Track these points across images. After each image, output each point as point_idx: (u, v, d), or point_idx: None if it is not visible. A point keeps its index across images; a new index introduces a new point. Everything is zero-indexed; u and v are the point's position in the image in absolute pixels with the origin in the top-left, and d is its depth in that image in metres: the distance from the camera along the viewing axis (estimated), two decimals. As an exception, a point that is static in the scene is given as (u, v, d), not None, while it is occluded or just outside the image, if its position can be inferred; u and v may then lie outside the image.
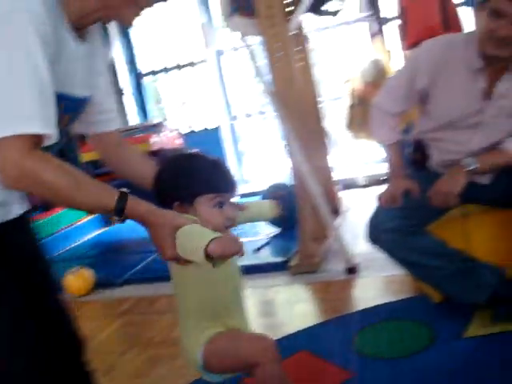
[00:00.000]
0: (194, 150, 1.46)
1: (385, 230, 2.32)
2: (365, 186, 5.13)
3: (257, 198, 4.38)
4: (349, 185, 5.07)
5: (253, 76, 5.95)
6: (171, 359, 2.53)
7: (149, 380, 2.37)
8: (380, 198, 2.39)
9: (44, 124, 1.14)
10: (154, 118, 6.07)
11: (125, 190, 1.26)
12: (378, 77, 5.00)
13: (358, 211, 4.34)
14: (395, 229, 2.30)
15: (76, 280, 3.64)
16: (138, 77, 6.30)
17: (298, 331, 2.56)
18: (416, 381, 2.01)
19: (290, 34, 3.74)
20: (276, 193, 4.07)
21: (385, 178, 2.44)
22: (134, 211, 1.23)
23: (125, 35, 6.26)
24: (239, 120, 6.15)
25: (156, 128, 4.89)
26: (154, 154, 4.50)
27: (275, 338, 2.44)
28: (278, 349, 1.47)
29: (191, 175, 1.39)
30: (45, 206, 5.97)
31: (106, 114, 1.50)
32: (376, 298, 2.75)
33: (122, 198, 1.22)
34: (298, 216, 3.49)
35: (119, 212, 1.22)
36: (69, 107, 1.32)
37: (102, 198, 1.22)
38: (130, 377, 2.31)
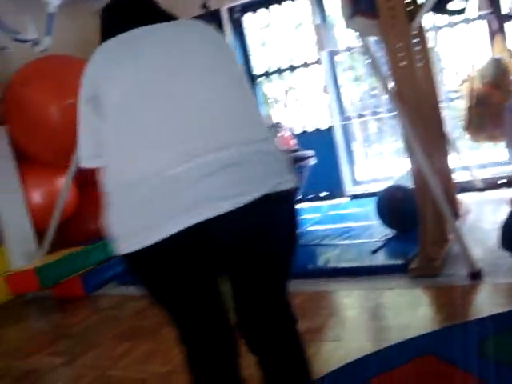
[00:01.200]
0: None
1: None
2: (482, 190, 4.97)
3: (371, 201, 4.37)
4: (466, 188, 4.93)
5: (368, 76, 5.97)
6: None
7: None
8: (510, 201, 2.33)
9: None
10: (270, 118, 6.17)
11: None
12: (497, 77, 4.84)
13: (476, 215, 4.22)
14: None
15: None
16: (252, 78, 6.43)
17: (422, 334, 2.54)
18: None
19: (412, 33, 3.71)
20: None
21: (503, 181, 2.37)
22: None
23: (239, 37, 6.41)
24: (352, 121, 6.14)
25: (273, 128, 4.98)
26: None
27: (398, 341, 2.48)
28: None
29: None
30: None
31: None
32: (502, 304, 2.68)
33: None
34: (419, 218, 3.44)
35: None
36: None
37: None
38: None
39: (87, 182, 5.27)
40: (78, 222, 5.11)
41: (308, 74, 6.29)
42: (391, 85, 3.65)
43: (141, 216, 1.39)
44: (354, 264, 3.65)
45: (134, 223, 1.41)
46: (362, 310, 3.04)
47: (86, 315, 3.95)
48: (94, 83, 1.50)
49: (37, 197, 4.98)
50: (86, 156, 1.61)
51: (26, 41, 4.51)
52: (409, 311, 2.86)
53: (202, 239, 1.39)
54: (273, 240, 1.48)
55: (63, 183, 4.79)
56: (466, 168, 5.05)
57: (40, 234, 4.91)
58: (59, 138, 4.69)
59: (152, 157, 1.40)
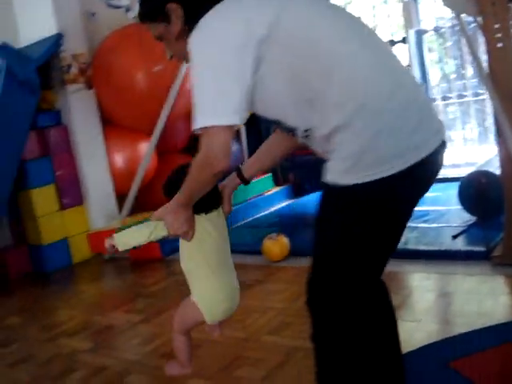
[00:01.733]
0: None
1: None
2: None
3: (453, 185, 4.25)
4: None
5: (455, 57, 5.79)
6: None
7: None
8: None
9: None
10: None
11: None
12: None
13: None
14: None
15: (274, 245, 3.83)
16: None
17: (504, 322, 2.48)
18: None
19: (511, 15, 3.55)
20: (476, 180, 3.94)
21: None
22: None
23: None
24: (436, 103, 5.97)
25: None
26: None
27: (479, 327, 2.43)
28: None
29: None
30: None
31: None
32: None
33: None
34: (505, 205, 3.33)
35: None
36: None
37: None
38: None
39: (167, 148, 5.40)
40: (157, 188, 5.21)
41: (395, 52, 6.15)
42: (485, 66, 3.53)
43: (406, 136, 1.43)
44: (434, 247, 3.58)
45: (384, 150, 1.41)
46: (441, 293, 2.99)
47: (161, 277, 4.07)
48: (264, 24, 1.41)
49: (119, 161, 5.13)
50: (232, 110, 1.40)
51: (119, 7, 4.61)
52: (490, 298, 2.79)
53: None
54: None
55: (146, 149, 4.91)
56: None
57: (120, 197, 5.07)
58: (144, 105, 4.79)
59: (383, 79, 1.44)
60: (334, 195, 1.48)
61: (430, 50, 6.08)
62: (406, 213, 1.60)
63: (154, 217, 1.71)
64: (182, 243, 1.78)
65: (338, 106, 1.40)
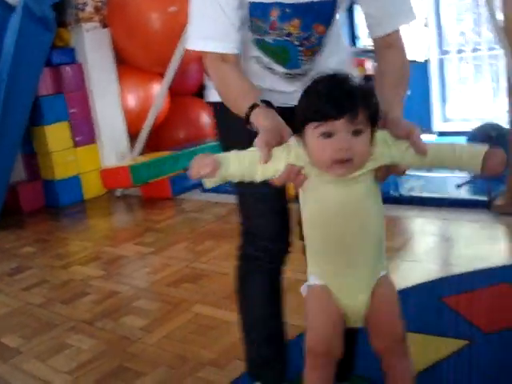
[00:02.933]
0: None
1: None
2: None
3: (461, 139, 4.30)
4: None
5: (473, 12, 5.74)
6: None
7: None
8: None
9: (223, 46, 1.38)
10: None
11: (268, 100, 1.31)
12: None
13: None
14: None
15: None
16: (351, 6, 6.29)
17: (501, 266, 2.58)
18: None
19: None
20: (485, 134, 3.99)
21: None
22: (256, 122, 1.26)
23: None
24: (450, 55, 5.95)
25: (372, 54, 4.93)
26: (369, 78, 4.58)
27: (476, 269, 2.53)
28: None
29: (300, 101, 1.18)
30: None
31: (371, 18, 1.45)
32: None
33: (252, 107, 1.28)
34: (509, 158, 3.39)
35: (247, 120, 1.28)
36: (289, 14, 1.39)
37: (239, 105, 1.33)
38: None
39: (180, 90, 5.44)
40: (168, 129, 5.31)
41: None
42: (501, 19, 3.53)
43: None
44: (438, 195, 3.67)
45: None
46: (443, 237, 3.09)
47: (171, 214, 4.19)
48: None
49: (132, 101, 5.19)
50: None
51: None
52: (489, 244, 2.89)
53: None
54: None
55: (159, 90, 4.96)
56: None
57: (132, 136, 5.14)
58: (158, 45, 4.82)
59: None
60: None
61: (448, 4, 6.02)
62: None
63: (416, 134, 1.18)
64: (375, 194, 1.24)
65: None
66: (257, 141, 1.18)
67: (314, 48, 1.47)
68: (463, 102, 5.98)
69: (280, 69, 1.51)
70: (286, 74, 1.52)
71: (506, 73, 3.48)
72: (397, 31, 1.42)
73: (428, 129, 5.88)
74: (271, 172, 1.19)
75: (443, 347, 1.96)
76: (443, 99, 5.97)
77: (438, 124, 5.88)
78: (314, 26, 1.42)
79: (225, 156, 1.18)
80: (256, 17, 1.41)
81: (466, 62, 5.96)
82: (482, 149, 1.18)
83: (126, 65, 5.23)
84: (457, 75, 6.02)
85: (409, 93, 4.45)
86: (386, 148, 1.18)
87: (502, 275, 2.50)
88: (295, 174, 1.19)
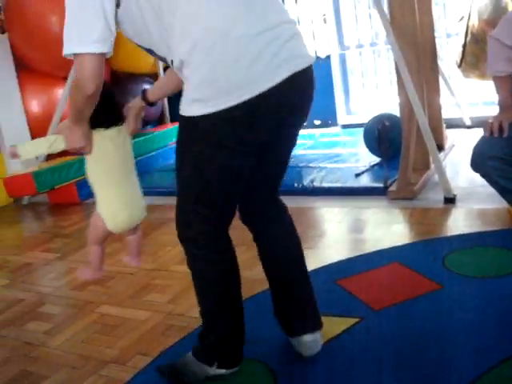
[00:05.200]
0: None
1: (489, 158, 2.42)
2: (470, 127, 5.09)
3: (360, 130, 4.49)
4: (454, 124, 5.05)
5: (368, 5, 5.97)
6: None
7: (255, 271, 2.64)
8: (487, 127, 2.47)
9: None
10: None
11: None
12: (496, 15, 4.84)
13: (460, 150, 4.37)
14: (498, 157, 2.39)
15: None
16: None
17: (393, 247, 2.74)
18: (499, 299, 2.12)
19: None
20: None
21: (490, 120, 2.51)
22: None
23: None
24: (350, 51, 6.17)
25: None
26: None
27: (370, 251, 2.67)
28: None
29: None
30: (158, 120, 6.38)
31: None
32: (471, 226, 2.86)
33: None
34: (402, 145, 3.59)
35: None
36: None
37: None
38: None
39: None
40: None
41: (309, 1, 6.26)
42: (388, 14, 3.71)
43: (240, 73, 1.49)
44: (337, 184, 3.82)
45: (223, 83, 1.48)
46: (341, 224, 3.22)
47: (78, 219, 4.14)
48: None
49: (35, 106, 5.09)
50: (96, 39, 1.48)
51: None
52: (383, 228, 3.05)
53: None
54: (308, 104, 1.71)
55: (61, 93, 4.88)
56: (456, 105, 5.15)
57: (37, 142, 5.03)
58: (58, 49, 4.72)
59: (236, 18, 1.49)
60: (182, 126, 1.62)
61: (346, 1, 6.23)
62: (246, 150, 1.60)
63: (55, 131, 1.88)
64: (86, 159, 1.92)
65: (180, 43, 1.49)
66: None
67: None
68: (365, 95, 6.22)
69: None
70: None
71: (395, 64, 3.66)
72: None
73: (333, 122, 6.09)
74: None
75: (336, 326, 2.07)
76: (346, 93, 6.19)
77: (342, 117, 6.09)
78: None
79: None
80: None
81: (365, 57, 6.20)
82: None
83: (27, 70, 5.12)
84: (358, 69, 6.25)
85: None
86: None
87: (393, 255, 2.65)
88: None
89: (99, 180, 1.95)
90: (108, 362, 2.08)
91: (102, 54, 1.52)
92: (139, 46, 1.67)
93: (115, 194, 1.95)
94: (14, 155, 1.91)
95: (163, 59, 1.63)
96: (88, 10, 1.49)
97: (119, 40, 1.60)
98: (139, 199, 2.04)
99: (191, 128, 1.57)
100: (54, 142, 1.85)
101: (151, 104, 1.98)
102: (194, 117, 1.53)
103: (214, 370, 1.81)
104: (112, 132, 1.90)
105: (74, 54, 1.50)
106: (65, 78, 4.86)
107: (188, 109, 1.54)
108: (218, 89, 1.48)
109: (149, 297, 2.60)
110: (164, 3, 1.49)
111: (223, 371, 1.82)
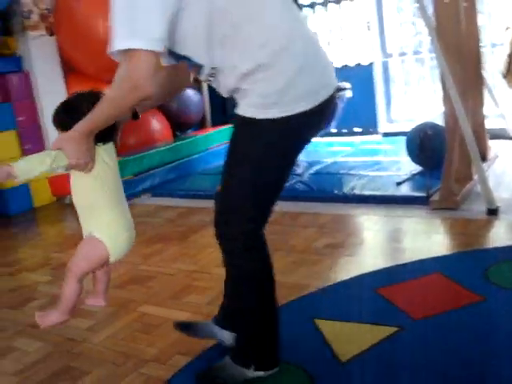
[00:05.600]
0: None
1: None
2: (514, 138, 5.00)
3: (401, 138, 4.45)
4: (498, 135, 4.97)
5: (413, 13, 5.93)
6: (313, 264, 2.81)
7: (293, 277, 2.66)
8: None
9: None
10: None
11: None
12: (542, 26, 4.76)
13: (504, 161, 4.30)
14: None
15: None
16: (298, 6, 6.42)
17: (434, 257, 2.72)
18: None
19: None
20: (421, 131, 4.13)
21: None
22: None
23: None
24: (393, 59, 6.14)
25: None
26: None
27: (411, 260, 2.66)
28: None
29: None
30: (199, 124, 6.45)
31: None
32: (514, 239, 2.82)
33: None
34: (445, 155, 3.55)
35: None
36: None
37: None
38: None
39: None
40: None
41: (353, 7, 6.26)
42: (433, 22, 3.68)
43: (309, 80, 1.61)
44: (378, 192, 3.80)
45: (303, 87, 1.60)
46: (381, 233, 3.21)
47: (121, 220, 4.21)
48: None
49: (81, 107, 5.19)
50: (158, 38, 1.47)
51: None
52: (424, 237, 3.03)
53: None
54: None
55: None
56: (500, 115, 5.07)
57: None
58: (105, 52, 4.83)
59: (300, 31, 1.64)
60: (247, 128, 1.64)
61: (397, 5, 6.20)
62: (301, 150, 1.76)
63: (53, 146, 1.60)
64: (78, 177, 1.70)
65: (262, 47, 1.55)
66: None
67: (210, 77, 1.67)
68: (407, 104, 6.17)
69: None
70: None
71: (440, 74, 3.63)
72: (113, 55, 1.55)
73: (374, 130, 6.06)
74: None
75: (375, 334, 2.07)
76: (388, 101, 6.16)
77: (383, 125, 6.06)
78: (193, 70, 1.73)
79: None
80: None
81: (408, 65, 6.16)
82: None
83: (74, 72, 5.24)
84: (400, 77, 6.21)
85: (352, 94, 4.58)
86: None
87: (434, 265, 2.63)
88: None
89: (99, 200, 1.72)
90: (148, 361, 2.12)
91: (159, 55, 1.50)
92: (172, 51, 1.63)
93: (116, 215, 1.74)
94: (9, 175, 1.56)
95: (197, 65, 1.64)
96: (154, 9, 1.46)
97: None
98: (131, 220, 1.82)
99: (260, 130, 1.62)
100: (55, 159, 1.57)
101: (136, 116, 1.79)
102: (269, 119, 1.59)
103: (252, 373, 1.83)
104: (109, 146, 1.73)
105: (127, 51, 1.44)
106: (110, 82, 4.94)
107: (263, 111, 1.59)
108: (299, 92, 1.59)
109: (188, 298, 2.63)
110: (241, 14, 1.54)
111: (261, 373, 1.83)
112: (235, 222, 1.71)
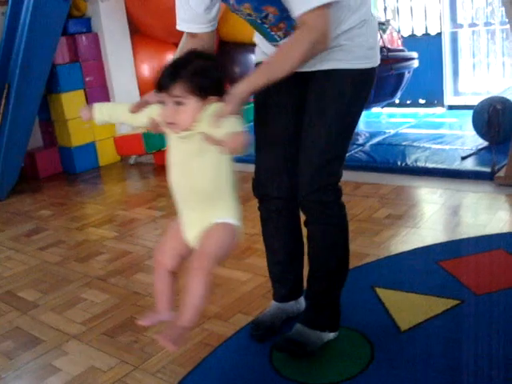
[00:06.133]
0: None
1: None
2: None
3: (470, 112, 4.35)
4: None
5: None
6: (373, 234, 2.82)
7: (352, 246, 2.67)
8: None
9: None
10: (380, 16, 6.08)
11: None
12: None
13: None
14: None
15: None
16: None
17: (498, 233, 2.68)
18: None
19: None
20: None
21: None
22: None
23: None
24: (463, 29, 5.95)
25: (382, 26, 4.97)
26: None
27: (474, 235, 2.63)
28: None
29: None
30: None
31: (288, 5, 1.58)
32: None
33: None
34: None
35: None
36: None
37: None
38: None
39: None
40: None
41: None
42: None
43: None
44: (442, 166, 3.74)
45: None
46: (444, 206, 3.17)
47: (182, 182, 4.30)
48: None
49: (146, 70, 5.28)
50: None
51: None
52: (488, 213, 2.98)
53: None
54: None
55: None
56: None
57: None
58: (172, 15, 4.86)
59: None
60: (356, 78, 1.73)
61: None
62: None
63: (224, 112, 1.37)
64: (212, 155, 1.42)
65: (362, 5, 1.69)
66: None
67: (278, 25, 1.66)
68: (474, 76, 6.00)
69: (266, 41, 1.78)
70: (273, 45, 1.76)
71: (511, 48, 3.52)
72: (304, 14, 1.49)
73: (439, 102, 5.92)
74: (138, 120, 1.55)
75: (436, 306, 2.07)
76: (455, 73, 5.99)
77: (449, 98, 5.92)
78: (265, 8, 1.61)
79: (102, 104, 1.61)
80: (222, 1, 1.68)
81: (479, 36, 5.96)
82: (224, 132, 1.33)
83: (141, 34, 5.31)
84: (469, 49, 6.02)
85: (419, 64, 4.50)
86: (204, 119, 1.39)
87: (498, 242, 2.59)
88: (155, 126, 1.50)
89: (230, 180, 1.51)
90: (210, 317, 2.19)
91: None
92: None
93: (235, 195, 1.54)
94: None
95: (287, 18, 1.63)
96: None
97: (226, 9, 1.67)
98: None
99: (363, 79, 1.75)
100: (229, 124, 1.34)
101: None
102: (369, 69, 1.74)
103: (327, 335, 1.88)
104: None
105: (319, 7, 1.46)
106: (175, 45, 4.99)
107: (365, 61, 1.72)
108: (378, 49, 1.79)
109: (250, 260, 2.69)
110: None
111: (332, 335, 1.88)
112: (338, 170, 1.78)
